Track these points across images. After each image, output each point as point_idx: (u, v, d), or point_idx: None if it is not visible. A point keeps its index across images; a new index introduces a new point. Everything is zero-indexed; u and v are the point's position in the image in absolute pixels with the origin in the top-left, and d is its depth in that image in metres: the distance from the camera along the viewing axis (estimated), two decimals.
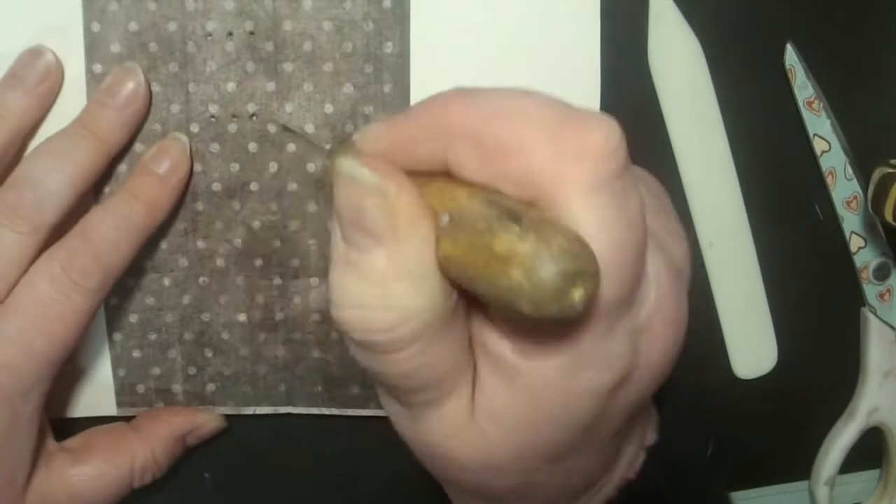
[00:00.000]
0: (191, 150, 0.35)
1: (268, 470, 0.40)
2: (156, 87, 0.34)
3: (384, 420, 0.28)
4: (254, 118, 0.35)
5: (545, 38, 0.36)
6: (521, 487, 0.26)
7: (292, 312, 0.37)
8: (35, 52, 0.33)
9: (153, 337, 0.37)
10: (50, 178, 0.32)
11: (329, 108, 0.35)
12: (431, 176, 0.23)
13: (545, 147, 0.21)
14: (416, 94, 0.35)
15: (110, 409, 0.37)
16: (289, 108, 0.35)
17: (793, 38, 0.38)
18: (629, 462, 0.30)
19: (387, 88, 0.35)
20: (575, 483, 0.28)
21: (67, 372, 0.36)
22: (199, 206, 0.36)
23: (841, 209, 0.40)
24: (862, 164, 0.39)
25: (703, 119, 0.38)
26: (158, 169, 0.34)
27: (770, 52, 0.38)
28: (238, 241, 0.36)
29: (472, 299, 0.24)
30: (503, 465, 0.25)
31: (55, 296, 0.31)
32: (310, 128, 0.35)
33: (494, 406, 0.24)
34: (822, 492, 0.42)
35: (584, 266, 0.20)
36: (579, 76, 0.36)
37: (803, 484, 0.44)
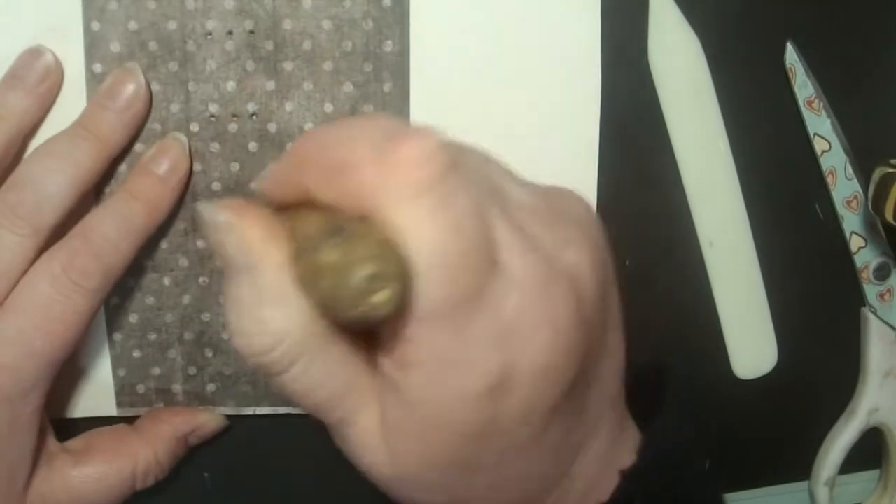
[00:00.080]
0: (190, 150, 0.35)
1: (268, 470, 0.40)
2: (156, 87, 0.34)
3: None
4: (254, 117, 0.35)
5: (545, 37, 0.36)
6: (455, 501, 0.28)
7: None
8: (35, 52, 0.33)
9: (153, 337, 0.37)
10: (50, 179, 0.32)
11: (329, 107, 0.35)
12: (302, 204, 0.25)
13: (369, 164, 0.23)
14: (416, 92, 0.35)
15: (110, 409, 0.37)
16: (289, 107, 0.35)
17: (793, 37, 0.38)
18: (589, 481, 0.30)
19: (387, 87, 0.35)
20: (510, 498, 0.28)
21: (67, 372, 0.36)
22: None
23: (841, 209, 0.40)
24: (862, 164, 0.39)
25: (703, 119, 0.38)
26: (158, 169, 0.34)
27: (770, 52, 0.38)
28: None
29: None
30: (419, 480, 0.27)
31: (55, 296, 0.31)
32: (310, 127, 0.35)
33: (391, 421, 0.26)
34: (821, 492, 0.42)
35: (386, 268, 0.22)
36: (579, 76, 0.36)
37: (803, 484, 0.44)
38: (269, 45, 0.35)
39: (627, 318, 0.39)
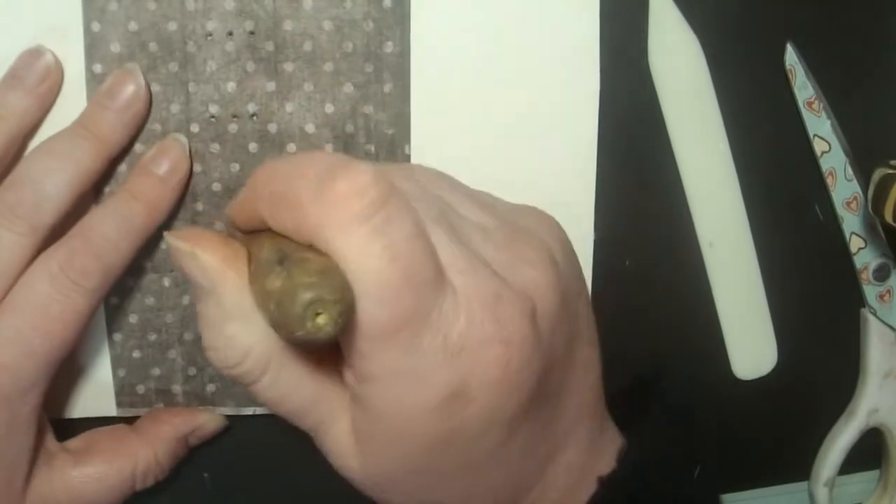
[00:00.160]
0: (190, 151, 0.35)
1: (268, 470, 0.40)
2: (156, 87, 0.34)
3: None
4: (254, 118, 0.35)
5: (545, 38, 0.36)
6: None
7: None
8: (35, 52, 0.33)
9: (153, 337, 0.37)
10: (49, 178, 0.32)
11: (329, 108, 0.35)
12: (264, 230, 0.28)
13: (311, 199, 0.25)
14: (417, 93, 0.35)
15: (110, 409, 0.37)
16: (289, 107, 0.35)
17: (793, 38, 0.38)
18: (564, 488, 0.31)
19: (387, 88, 0.35)
20: (481, 502, 0.30)
21: (67, 372, 0.36)
22: (199, 207, 0.36)
23: (841, 210, 0.40)
24: (862, 165, 0.39)
25: (703, 119, 0.38)
26: (158, 170, 0.34)
27: (770, 53, 0.38)
28: None
29: None
30: (388, 484, 0.29)
31: (54, 295, 0.31)
32: (310, 128, 0.35)
33: (359, 429, 0.28)
34: (821, 492, 0.42)
35: (325, 294, 0.24)
36: (578, 76, 0.36)
37: (803, 485, 0.44)
38: (270, 46, 0.35)
39: (627, 319, 0.40)
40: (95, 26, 0.34)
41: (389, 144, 0.36)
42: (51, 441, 0.35)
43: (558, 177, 0.37)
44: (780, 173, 0.40)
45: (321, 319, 0.24)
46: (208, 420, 0.38)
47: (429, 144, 0.36)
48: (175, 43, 0.34)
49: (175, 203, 0.35)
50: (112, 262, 0.33)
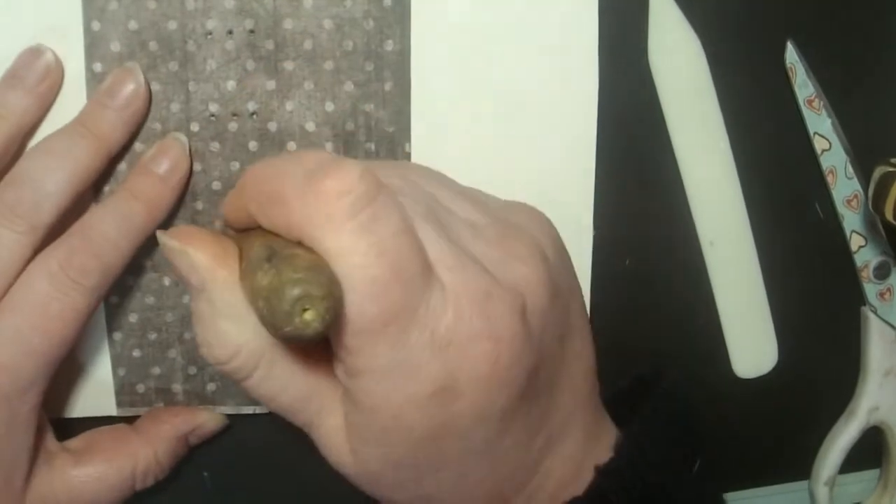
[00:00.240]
0: (190, 150, 0.35)
1: (268, 470, 0.40)
2: (156, 86, 0.34)
3: None
4: (254, 117, 0.35)
5: (544, 37, 0.36)
6: (420, 499, 0.30)
7: None
8: (35, 52, 0.33)
9: (153, 336, 0.37)
10: (49, 177, 0.32)
11: (330, 107, 0.35)
12: (255, 228, 0.28)
13: (299, 196, 0.26)
14: (417, 91, 0.35)
15: (110, 408, 0.37)
16: (289, 106, 0.35)
17: (793, 36, 0.38)
18: (562, 479, 0.31)
19: (388, 86, 0.35)
20: (476, 496, 0.30)
21: (67, 371, 0.36)
22: (199, 206, 0.36)
23: (841, 208, 0.40)
24: (862, 163, 0.39)
25: (703, 119, 0.38)
26: (158, 169, 0.34)
27: (770, 51, 0.38)
28: None
29: None
30: (381, 478, 0.29)
31: (53, 294, 0.31)
32: (310, 126, 0.35)
33: (351, 424, 0.28)
34: (822, 492, 0.42)
35: (312, 291, 0.24)
36: (578, 75, 0.36)
37: (803, 484, 0.44)
38: (270, 45, 0.35)
39: (627, 319, 0.40)
40: (95, 25, 0.34)
41: (390, 142, 0.36)
42: (51, 441, 0.35)
43: (557, 176, 0.37)
44: (780, 172, 0.40)
45: (309, 315, 0.24)
46: (208, 419, 0.38)
47: (429, 143, 0.36)
48: (175, 42, 0.34)
49: (175, 202, 0.35)
50: (112, 260, 0.32)
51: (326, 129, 0.35)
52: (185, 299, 0.36)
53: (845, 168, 0.39)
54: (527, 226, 0.31)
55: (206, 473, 0.40)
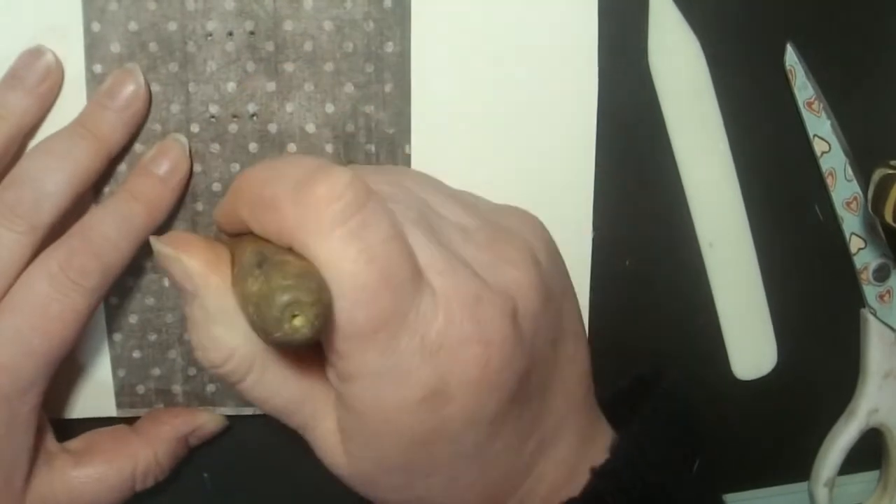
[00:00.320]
0: (190, 151, 0.35)
1: (268, 470, 0.40)
2: (156, 87, 0.34)
3: None
4: (254, 118, 0.35)
5: (544, 37, 0.36)
6: (413, 501, 0.30)
7: None
8: (35, 52, 0.33)
9: (153, 337, 0.37)
10: (49, 177, 0.32)
11: (330, 108, 0.35)
12: (247, 234, 0.29)
13: (289, 202, 0.26)
14: (417, 93, 0.35)
15: (110, 409, 0.37)
16: (289, 108, 0.35)
17: (793, 38, 0.38)
18: (556, 482, 0.31)
19: (388, 88, 0.35)
20: (468, 499, 0.30)
21: (67, 372, 0.36)
22: (199, 207, 0.36)
23: (841, 210, 0.40)
24: (862, 165, 0.39)
25: (703, 119, 0.38)
26: (158, 170, 0.34)
27: (770, 53, 0.38)
28: None
29: None
30: (374, 481, 0.29)
31: (53, 294, 0.31)
32: (311, 127, 0.35)
33: (344, 428, 0.29)
34: (821, 493, 0.43)
35: (301, 297, 0.24)
36: (577, 75, 0.36)
37: (803, 485, 0.44)
38: (270, 46, 0.35)
39: (627, 319, 0.40)
40: (95, 26, 0.34)
41: (390, 144, 0.36)
42: (51, 441, 0.35)
43: (557, 176, 0.37)
44: (780, 173, 0.40)
45: (298, 321, 0.24)
46: (208, 420, 0.38)
47: (429, 144, 0.36)
48: (175, 43, 0.34)
49: (175, 203, 0.35)
50: (111, 261, 0.33)
51: (327, 131, 0.35)
52: (182, 305, 0.36)
53: (845, 170, 0.39)
54: (518, 229, 0.31)
55: (206, 474, 0.40)
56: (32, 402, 0.32)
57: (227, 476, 0.40)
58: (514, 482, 0.31)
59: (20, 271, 0.32)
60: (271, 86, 0.35)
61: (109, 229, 0.33)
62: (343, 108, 0.35)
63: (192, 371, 0.37)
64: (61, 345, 0.32)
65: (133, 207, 0.33)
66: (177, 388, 0.37)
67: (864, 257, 0.40)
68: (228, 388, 0.36)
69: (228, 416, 0.38)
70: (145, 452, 0.36)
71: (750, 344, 0.41)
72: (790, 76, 0.38)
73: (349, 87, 0.35)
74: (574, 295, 0.33)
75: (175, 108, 0.35)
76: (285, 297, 0.24)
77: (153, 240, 0.30)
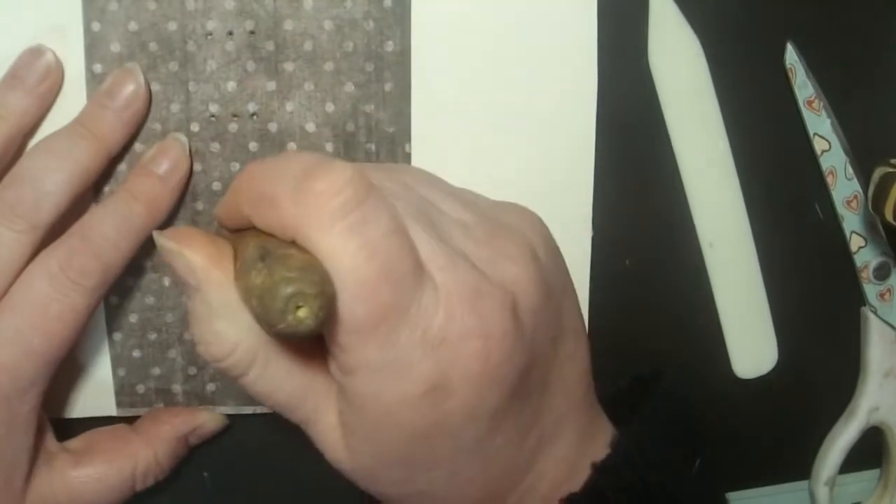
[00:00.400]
0: (191, 150, 0.35)
1: (268, 470, 0.40)
2: (156, 87, 0.34)
3: None
4: (254, 118, 0.35)
5: (544, 37, 0.36)
6: (414, 495, 0.30)
7: None
8: (35, 52, 0.33)
9: (153, 337, 0.37)
10: (49, 177, 0.32)
11: (330, 107, 0.35)
12: (249, 228, 0.29)
13: (291, 197, 0.26)
14: (417, 92, 0.36)
15: (110, 409, 0.37)
16: (289, 107, 0.35)
17: (793, 37, 0.38)
18: (557, 478, 0.31)
19: (388, 87, 0.35)
20: (469, 494, 0.30)
21: (67, 372, 0.36)
22: (200, 206, 0.36)
23: (841, 209, 0.40)
24: (862, 164, 0.39)
25: (703, 119, 0.38)
26: (158, 169, 0.34)
27: (770, 52, 0.38)
28: None
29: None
30: (375, 475, 0.29)
31: (53, 294, 0.31)
32: (311, 127, 0.35)
33: (345, 422, 0.29)
34: (822, 492, 0.42)
35: (304, 289, 0.24)
36: (578, 75, 0.36)
37: (803, 484, 0.44)
38: (270, 46, 0.35)
39: (627, 318, 0.40)
40: (95, 26, 0.34)
41: (390, 143, 0.36)
42: (51, 441, 0.35)
43: (557, 175, 0.37)
44: (780, 172, 0.40)
45: (302, 313, 0.24)
46: (208, 419, 0.38)
47: (429, 143, 0.36)
48: (175, 42, 0.34)
49: (175, 202, 0.35)
50: (111, 261, 0.33)
51: (327, 130, 0.35)
52: (185, 299, 0.36)
53: (845, 169, 0.39)
54: (518, 225, 0.31)
55: (206, 473, 0.40)
56: (32, 402, 0.32)
57: (227, 476, 0.40)
58: (515, 477, 0.31)
59: (20, 271, 0.32)
60: (271, 85, 0.35)
61: (109, 229, 0.33)
62: (343, 108, 0.35)
63: (192, 370, 0.37)
64: (61, 344, 0.32)
65: (133, 207, 0.33)
66: (177, 388, 0.37)
67: (865, 256, 0.40)
68: (231, 383, 0.36)
69: (228, 416, 0.38)
70: (145, 452, 0.36)
71: (750, 343, 0.41)
72: (790, 75, 0.38)
73: (349, 87, 0.35)
74: (574, 292, 0.33)
75: (175, 107, 0.35)
76: (289, 289, 0.24)
77: (156, 234, 0.30)
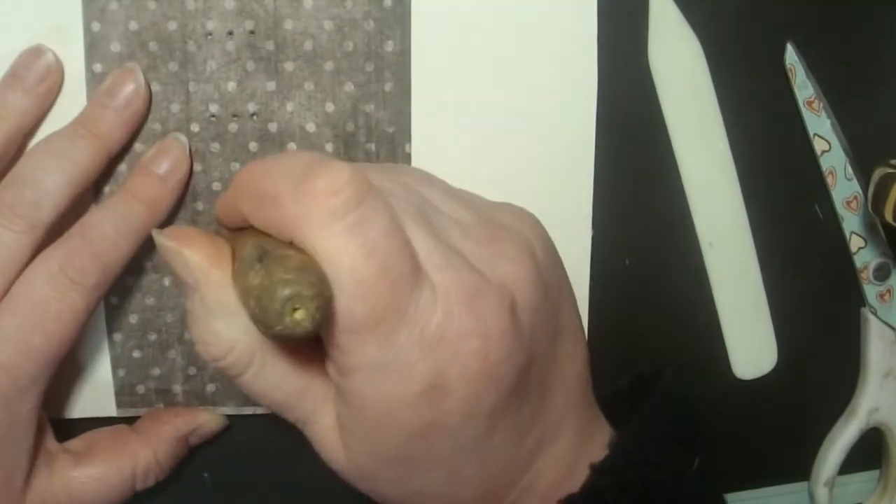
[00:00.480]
0: (191, 150, 0.35)
1: (268, 470, 0.40)
2: (156, 87, 0.34)
3: None
4: (254, 117, 0.35)
5: (544, 37, 0.36)
6: (412, 495, 0.30)
7: None
8: (35, 52, 0.33)
9: (153, 337, 0.37)
10: (48, 177, 0.32)
11: (330, 107, 0.35)
12: (248, 228, 0.29)
13: (290, 196, 0.26)
14: (417, 92, 0.36)
15: (110, 409, 0.37)
16: (289, 107, 0.35)
17: (793, 37, 0.38)
18: (555, 478, 0.31)
19: (388, 87, 0.35)
20: (467, 493, 0.30)
21: (67, 372, 0.36)
22: (200, 206, 0.36)
23: (841, 209, 0.40)
24: (862, 164, 0.39)
25: (703, 119, 0.38)
26: (158, 169, 0.34)
27: (770, 52, 0.38)
28: None
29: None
30: (373, 475, 0.29)
31: (53, 294, 0.31)
32: (311, 127, 0.35)
33: (343, 421, 0.29)
34: (821, 492, 0.42)
35: (302, 291, 0.24)
36: (578, 75, 0.36)
37: (803, 485, 0.44)
38: (270, 46, 0.35)
39: (627, 319, 0.40)
40: (96, 26, 0.34)
41: (390, 143, 0.36)
42: (51, 441, 0.35)
43: (557, 175, 0.37)
44: (779, 173, 0.40)
45: (299, 315, 0.24)
46: (208, 420, 0.38)
47: (428, 143, 0.36)
48: (175, 42, 0.34)
49: (175, 202, 0.35)
50: (111, 261, 0.33)
51: (327, 130, 0.35)
52: (184, 299, 0.36)
53: (845, 169, 0.39)
54: (515, 226, 0.31)
55: (206, 474, 0.40)
56: (33, 402, 0.32)
57: (227, 476, 0.40)
58: (513, 477, 0.31)
59: (20, 270, 0.32)
60: (271, 85, 0.35)
61: (109, 229, 0.33)
62: (343, 108, 0.35)
63: (192, 371, 0.37)
64: (61, 344, 0.32)
65: (133, 207, 0.33)
66: (177, 388, 0.37)
67: (865, 256, 0.40)
68: (229, 383, 0.36)
69: (229, 416, 0.38)
70: (145, 452, 0.36)
71: (750, 343, 0.41)
72: (790, 75, 0.38)
73: (349, 87, 0.35)
74: (571, 293, 0.33)
75: (175, 107, 0.35)
76: (286, 291, 0.24)
77: (155, 233, 0.30)
